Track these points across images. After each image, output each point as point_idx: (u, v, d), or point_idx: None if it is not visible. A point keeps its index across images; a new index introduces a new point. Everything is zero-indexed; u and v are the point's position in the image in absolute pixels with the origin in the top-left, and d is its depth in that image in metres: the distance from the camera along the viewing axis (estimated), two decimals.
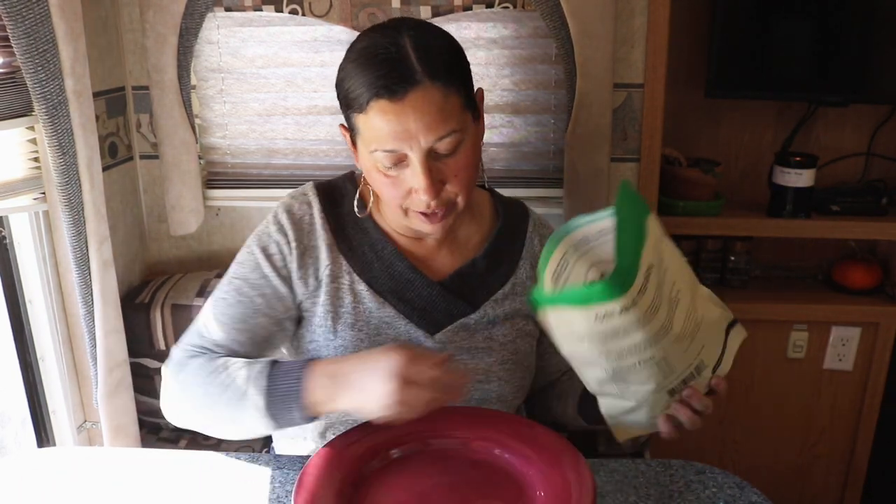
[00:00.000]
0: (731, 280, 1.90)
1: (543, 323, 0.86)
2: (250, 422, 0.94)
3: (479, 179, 1.13)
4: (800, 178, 1.73)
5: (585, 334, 0.81)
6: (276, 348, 1.12)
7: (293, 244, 1.06)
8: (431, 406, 0.86)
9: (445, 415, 1.02)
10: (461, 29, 1.59)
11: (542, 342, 1.17)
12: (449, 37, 1.00)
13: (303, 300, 1.07)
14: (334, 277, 1.06)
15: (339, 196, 1.11)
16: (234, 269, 1.09)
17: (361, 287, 1.06)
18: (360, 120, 0.95)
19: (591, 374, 0.88)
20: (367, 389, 0.87)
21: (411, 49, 0.92)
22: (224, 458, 1.04)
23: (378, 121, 0.92)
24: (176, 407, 1.04)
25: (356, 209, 1.08)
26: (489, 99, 1.64)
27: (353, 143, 1.01)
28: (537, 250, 1.13)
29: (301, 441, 1.14)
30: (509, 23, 1.59)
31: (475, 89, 1.02)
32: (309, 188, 1.11)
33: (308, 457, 0.97)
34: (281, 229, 1.07)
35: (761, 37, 1.72)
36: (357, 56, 0.95)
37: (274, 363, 0.95)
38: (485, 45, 1.60)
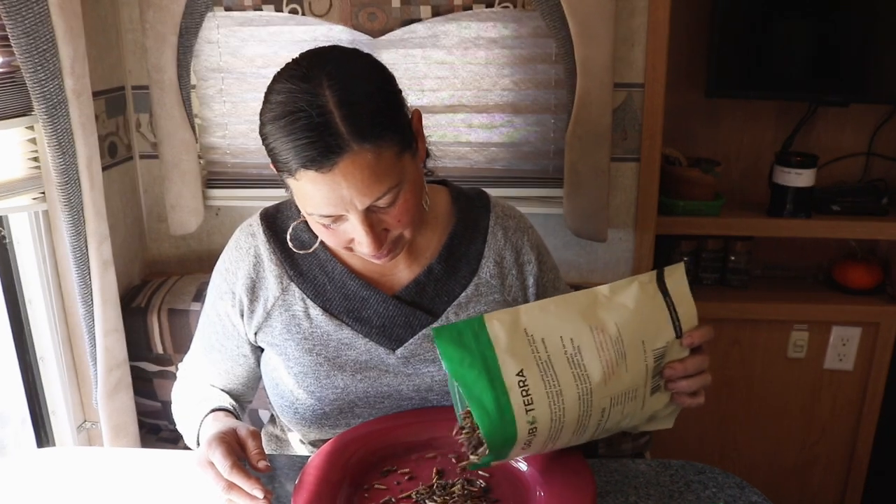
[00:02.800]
0: (731, 280, 1.90)
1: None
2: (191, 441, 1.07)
3: (434, 177, 1.12)
4: (800, 178, 1.73)
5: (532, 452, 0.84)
6: (244, 372, 1.13)
7: (242, 280, 1.07)
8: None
9: (446, 415, 1.02)
10: (461, 29, 1.59)
11: None
12: (371, 71, 0.92)
13: (257, 331, 1.08)
14: (288, 306, 1.05)
15: (285, 222, 1.08)
16: (208, 293, 1.13)
17: (316, 312, 1.04)
18: (291, 182, 0.90)
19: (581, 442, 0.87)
20: (199, 454, 0.92)
21: (334, 108, 0.85)
22: None
23: (309, 188, 0.88)
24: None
25: (290, 243, 1.05)
26: (489, 99, 1.64)
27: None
28: (501, 244, 1.09)
29: (288, 439, 1.16)
30: (509, 22, 1.59)
31: (411, 113, 0.96)
32: (255, 218, 1.10)
33: (308, 457, 0.97)
34: (230, 267, 1.08)
35: (761, 37, 1.72)
36: (277, 115, 0.87)
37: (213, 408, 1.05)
38: (485, 44, 1.60)
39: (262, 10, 1.61)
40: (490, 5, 1.58)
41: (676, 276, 0.85)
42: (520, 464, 0.94)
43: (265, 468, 0.89)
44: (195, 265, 1.79)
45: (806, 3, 1.70)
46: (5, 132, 1.30)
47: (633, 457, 1.57)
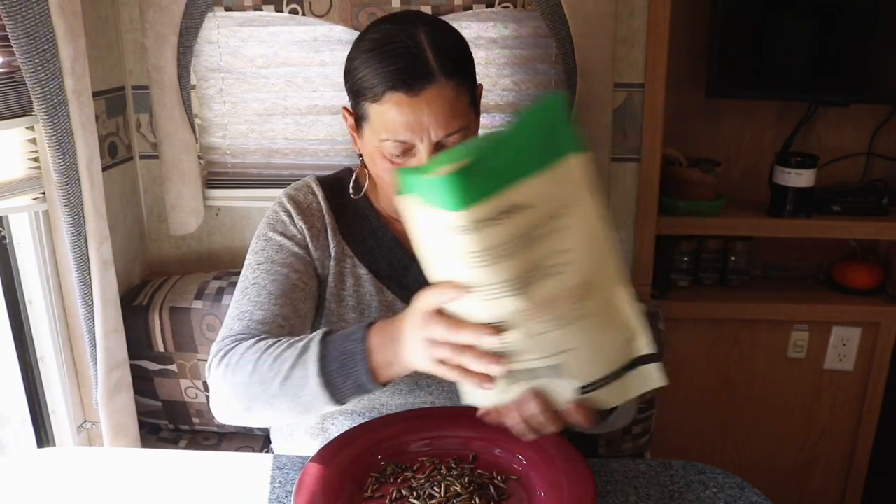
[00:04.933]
0: (731, 280, 1.90)
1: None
2: (307, 397, 0.88)
3: None
4: (800, 178, 1.73)
5: (423, 233, 0.75)
6: (317, 324, 1.12)
7: (304, 225, 1.11)
8: (463, 371, 0.77)
9: (446, 414, 1.02)
10: (461, 29, 1.58)
11: None
12: (459, 34, 1.05)
13: (319, 273, 1.12)
14: (339, 260, 1.11)
15: (340, 187, 1.16)
16: (254, 259, 1.09)
17: (363, 271, 1.11)
18: (373, 109, 0.98)
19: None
20: (406, 337, 0.82)
21: (428, 45, 0.96)
22: (224, 458, 1.04)
23: (392, 112, 0.96)
24: (227, 401, 0.95)
25: (351, 191, 1.14)
26: (489, 99, 1.64)
27: (357, 127, 1.05)
28: None
29: (298, 438, 1.15)
30: (509, 23, 1.59)
31: (477, 86, 1.07)
32: (311, 179, 1.17)
33: (308, 457, 0.97)
34: (289, 213, 1.12)
35: (761, 37, 1.72)
36: (372, 46, 0.98)
37: (328, 331, 0.91)
38: (485, 45, 1.60)
39: (262, 10, 1.60)
40: (490, 5, 1.58)
41: (651, 377, 0.78)
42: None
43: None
44: (195, 265, 1.78)
45: (806, 3, 1.70)
46: (5, 132, 1.30)
47: (633, 457, 1.57)
